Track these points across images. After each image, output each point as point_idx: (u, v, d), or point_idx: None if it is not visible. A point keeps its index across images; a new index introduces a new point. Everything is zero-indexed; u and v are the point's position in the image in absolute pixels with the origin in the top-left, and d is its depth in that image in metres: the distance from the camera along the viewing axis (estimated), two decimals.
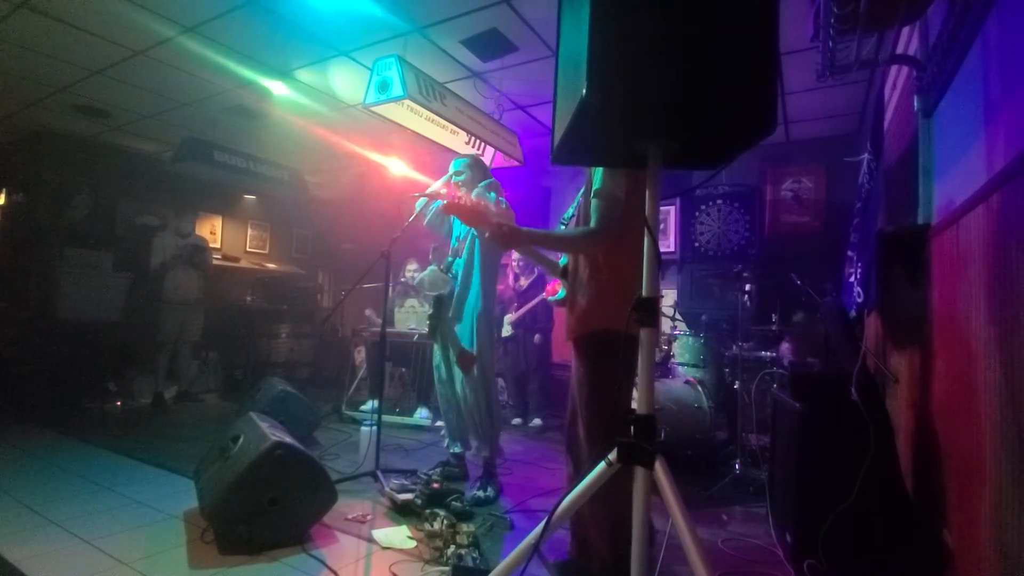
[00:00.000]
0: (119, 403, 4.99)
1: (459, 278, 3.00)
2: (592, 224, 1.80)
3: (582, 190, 2.04)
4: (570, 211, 2.11)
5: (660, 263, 1.22)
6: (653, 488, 1.17)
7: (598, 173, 1.82)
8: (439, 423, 4.31)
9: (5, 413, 4.33)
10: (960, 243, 1.71)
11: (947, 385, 1.82)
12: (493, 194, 2.93)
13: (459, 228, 3.10)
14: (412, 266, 5.32)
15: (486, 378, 2.96)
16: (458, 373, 2.98)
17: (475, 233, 2.93)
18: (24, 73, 4.14)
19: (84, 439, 3.71)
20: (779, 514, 2.37)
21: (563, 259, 2.12)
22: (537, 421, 4.79)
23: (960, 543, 1.65)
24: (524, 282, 4.97)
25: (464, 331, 2.97)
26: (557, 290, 4.88)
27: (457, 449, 3.15)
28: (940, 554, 1.80)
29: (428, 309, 5.15)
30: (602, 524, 1.88)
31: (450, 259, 3.08)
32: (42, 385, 4.85)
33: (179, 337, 5.13)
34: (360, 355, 5.61)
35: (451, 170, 3.03)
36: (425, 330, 4.79)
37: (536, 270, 5.01)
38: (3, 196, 6.05)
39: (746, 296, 3.65)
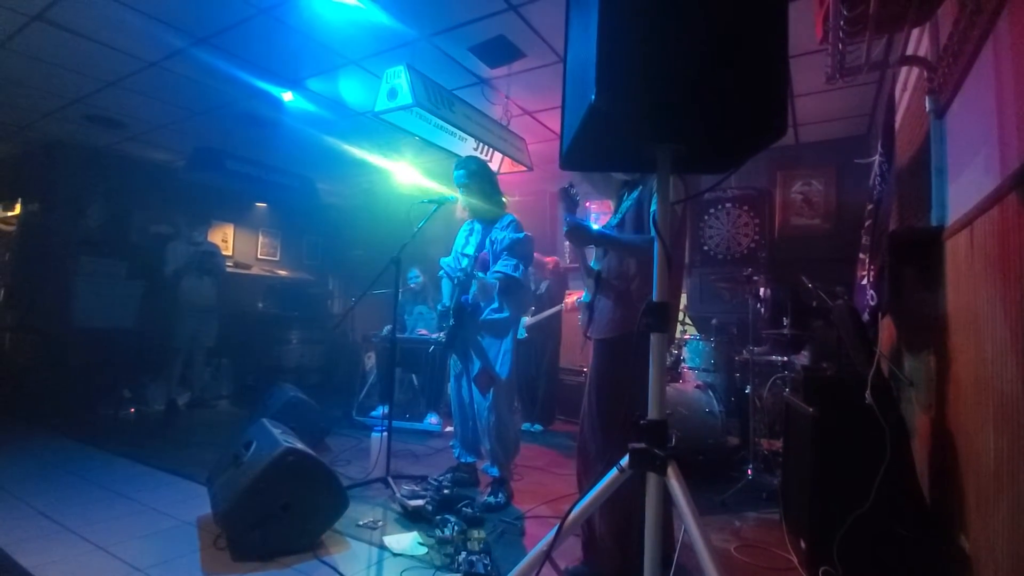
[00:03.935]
0: (133, 409, 5.04)
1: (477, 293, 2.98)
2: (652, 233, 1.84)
3: (630, 197, 2.06)
4: (615, 219, 2.14)
5: (674, 267, 1.23)
6: (666, 494, 1.16)
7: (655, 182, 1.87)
8: (448, 428, 4.32)
9: (21, 419, 4.38)
10: (975, 245, 1.69)
11: (963, 389, 1.79)
12: (525, 233, 2.97)
13: (472, 245, 3.07)
14: (412, 273, 5.34)
15: (499, 406, 2.89)
16: (475, 390, 2.95)
17: (511, 255, 2.90)
18: (39, 85, 4.21)
19: (99, 445, 3.75)
20: (793, 520, 2.35)
21: (593, 263, 2.19)
22: (538, 427, 4.79)
23: (978, 549, 1.63)
24: (543, 286, 5.02)
25: (496, 353, 2.92)
26: (572, 302, 4.94)
27: (468, 459, 3.14)
28: (957, 560, 1.77)
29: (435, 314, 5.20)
30: (609, 525, 1.89)
31: (461, 275, 3.01)
32: (57, 392, 4.91)
33: (193, 343, 5.18)
34: (370, 361, 5.63)
35: (455, 180, 3.02)
36: (434, 336, 4.85)
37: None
38: (19, 206, 6.15)
39: (760, 303, 3.62)
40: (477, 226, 3.11)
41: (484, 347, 2.92)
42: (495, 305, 2.94)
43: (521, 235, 2.96)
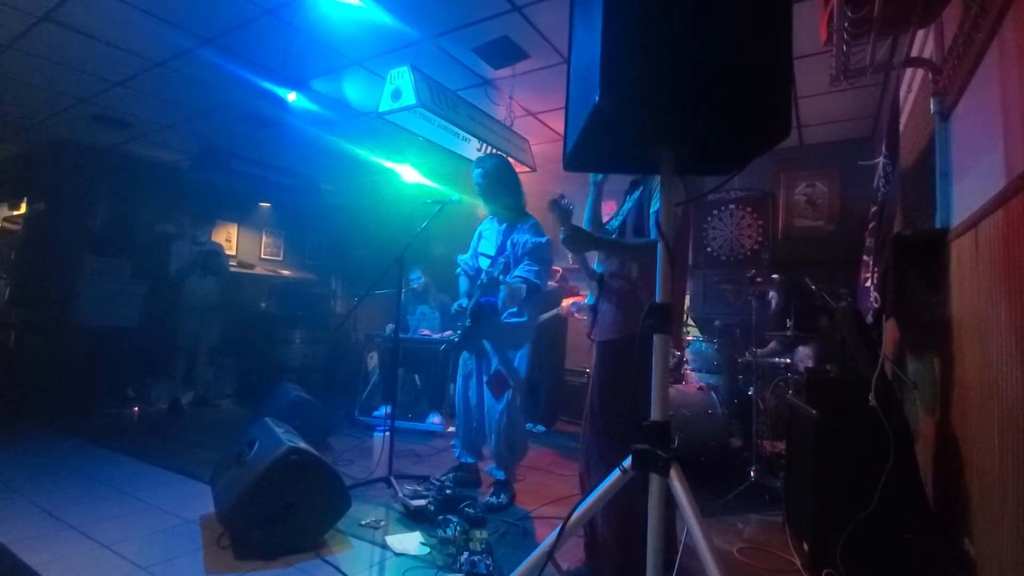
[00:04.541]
0: (137, 408, 5.06)
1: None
2: (652, 236, 1.83)
3: (631, 198, 2.06)
4: (615, 221, 2.13)
5: (678, 268, 1.23)
6: (668, 496, 1.16)
7: (655, 184, 1.86)
8: (451, 428, 4.32)
9: (25, 417, 4.40)
10: (979, 247, 1.68)
11: (967, 392, 1.79)
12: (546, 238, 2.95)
13: (492, 245, 3.04)
14: (415, 274, 5.33)
15: (512, 408, 2.89)
16: (487, 392, 2.94)
17: (533, 262, 2.88)
18: (46, 85, 4.23)
19: (102, 444, 3.76)
20: (796, 522, 2.34)
21: (597, 266, 2.19)
22: (540, 428, 4.79)
23: (982, 553, 1.62)
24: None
25: (514, 356, 2.92)
26: (567, 307, 4.93)
27: (468, 460, 3.14)
28: (961, 564, 1.76)
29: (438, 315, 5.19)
30: (612, 527, 1.88)
31: (484, 277, 2.98)
32: (61, 390, 4.93)
33: (197, 342, 5.20)
34: (373, 360, 5.64)
35: (473, 179, 3.02)
36: (439, 335, 4.85)
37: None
38: (25, 205, 6.19)
39: (772, 301, 3.61)
40: (496, 225, 3.09)
41: (503, 349, 2.92)
42: (514, 309, 2.94)
43: (543, 239, 2.94)
